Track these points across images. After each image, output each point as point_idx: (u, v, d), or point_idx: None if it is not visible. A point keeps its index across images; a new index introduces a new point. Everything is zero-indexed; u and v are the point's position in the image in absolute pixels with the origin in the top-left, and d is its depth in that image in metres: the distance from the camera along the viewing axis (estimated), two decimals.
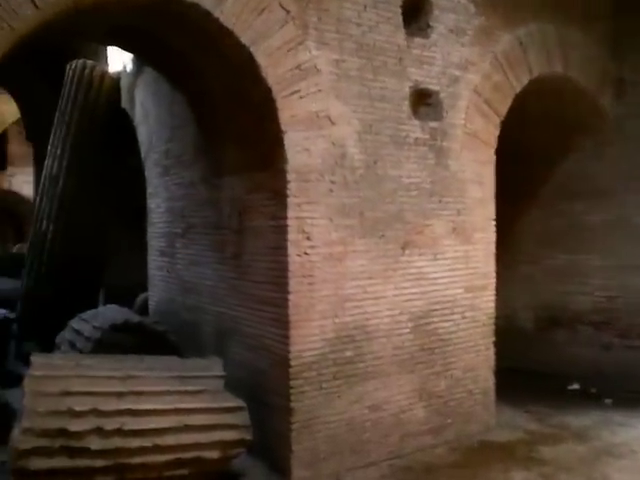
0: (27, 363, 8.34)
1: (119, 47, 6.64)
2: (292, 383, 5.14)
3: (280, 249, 5.20)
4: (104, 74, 8.72)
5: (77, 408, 4.42)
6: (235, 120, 5.60)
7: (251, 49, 4.92)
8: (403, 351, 5.77)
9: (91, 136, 8.66)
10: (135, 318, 6.62)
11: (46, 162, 8.97)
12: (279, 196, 5.19)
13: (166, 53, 5.55)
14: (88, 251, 8.85)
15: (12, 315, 8.07)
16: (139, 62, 7.71)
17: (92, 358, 5.09)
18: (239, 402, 4.91)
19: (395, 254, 5.74)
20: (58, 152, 8.71)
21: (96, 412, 4.43)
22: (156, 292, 7.65)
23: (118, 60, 8.64)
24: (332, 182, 5.35)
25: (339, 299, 5.39)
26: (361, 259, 5.54)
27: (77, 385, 4.57)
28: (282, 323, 5.17)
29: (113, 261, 9.82)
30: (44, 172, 8.98)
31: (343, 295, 5.42)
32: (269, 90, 5.02)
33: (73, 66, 8.80)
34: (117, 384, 4.70)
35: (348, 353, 5.43)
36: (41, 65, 11.23)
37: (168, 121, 7.03)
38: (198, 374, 5.04)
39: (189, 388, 4.87)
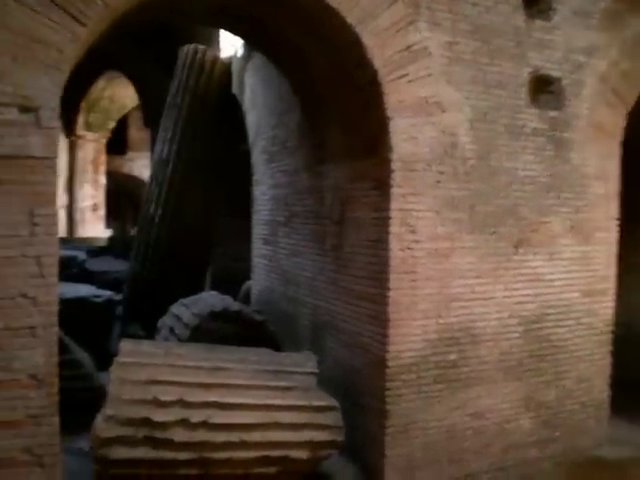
0: None
1: (222, 28, 6.48)
2: (389, 385, 4.83)
3: (381, 242, 4.89)
4: (216, 59, 8.63)
5: (163, 398, 4.28)
6: (339, 104, 5.33)
7: (357, 29, 4.62)
8: (511, 357, 5.36)
9: (201, 121, 8.60)
10: (234, 306, 6.47)
11: (157, 146, 8.99)
12: (382, 186, 4.88)
13: (267, 34, 5.34)
14: (195, 236, 8.82)
15: (117, 297, 8.11)
16: (249, 46, 7.56)
17: (182, 347, 4.94)
18: (331, 401, 4.66)
19: (507, 252, 5.33)
20: (168, 136, 8.70)
21: (182, 403, 4.28)
22: (258, 281, 7.50)
23: (230, 45, 8.54)
24: (440, 173, 5.00)
25: (444, 298, 5.04)
26: (469, 256, 5.16)
27: (164, 374, 4.43)
28: (381, 321, 4.87)
29: (221, 247, 9.80)
30: (154, 156, 9.00)
31: (448, 294, 5.06)
32: (375, 73, 4.71)
33: (185, 50, 8.76)
34: (205, 375, 4.54)
35: (451, 356, 5.07)
36: (157, 49, 11.32)
37: (275, 106, 6.84)
38: (290, 369, 4.82)
39: (280, 384, 4.65)
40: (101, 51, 14.02)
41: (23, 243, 3.82)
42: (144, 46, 12.11)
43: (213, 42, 9.23)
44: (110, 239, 13.43)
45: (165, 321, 7.08)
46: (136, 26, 5.10)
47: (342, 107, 5.29)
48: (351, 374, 5.23)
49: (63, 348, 6.21)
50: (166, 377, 4.42)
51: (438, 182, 4.98)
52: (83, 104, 15.59)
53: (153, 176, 8.89)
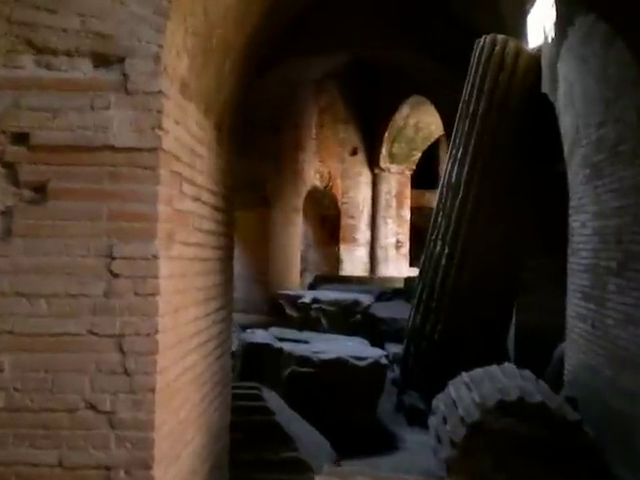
0: (410, 419, 6.46)
1: None
2: None
3: None
4: (519, 50, 6.33)
5: None
6: None
7: None
8: None
9: (501, 133, 6.34)
10: (536, 396, 4.15)
11: (445, 167, 6.92)
12: None
13: None
14: (493, 282, 6.53)
15: (388, 358, 6.09)
16: (564, 23, 5.22)
17: None
18: None
19: None
20: (459, 155, 6.56)
21: None
22: (574, 352, 5.04)
23: (539, 32, 6.22)
24: None
25: None
26: None
27: None
28: None
29: (528, 295, 7.37)
30: (441, 181, 6.93)
31: None
32: None
33: (480, 43, 6.58)
34: None
35: None
36: (459, 66, 9.38)
37: (599, 94, 4.41)
38: None
39: None
40: (404, 74, 12.51)
41: (92, 310, 1.96)
42: (446, 64, 10.20)
43: (519, 32, 6.97)
44: (406, 280, 11.60)
45: (439, 403, 4.97)
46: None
47: None
48: None
49: (281, 440, 4.39)
50: None
51: None
52: (386, 134, 14.10)
53: (439, 206, 6.81)
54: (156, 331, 1.97)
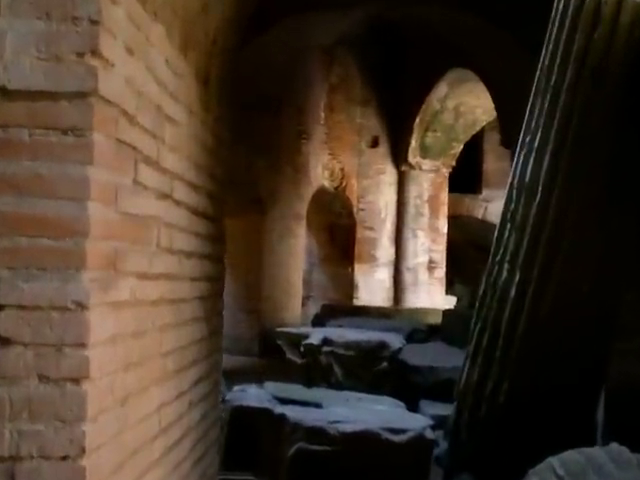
0: None
1: None
2: None
3: None
4: (621, 0, 5.89)
5: None
6: None
7: None
8: None
9: (596, 111, 5.90)
10: None
11: (514, 162, 6.50)
12: None
13: None
14: (583, 322, 6.11)
15: (431, 433, 5.61)
16: None
17: None
18: None
19: None
20: (535, 144, 6.12)
21: None
22: None
23: None
24: None
25: None
26: None
27: None
28: None
29: (625, 340, 6.92)
30: (510, 180, 6.52)
31: None
32: None
33: None
34: None
35: None
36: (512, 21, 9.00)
37: None
38: None
39: None
40: (442, 40, 12.08)
41: None
42: (502, 24, 9.84)
43: None
44: (445, 314, 11.16)
45: None
46: None
47: None
48: None
49: None
50: None
51: None
52: (417, 120, 13.89)
53: (506, 216, 6.38)
54: (81, 451, 1.28)
